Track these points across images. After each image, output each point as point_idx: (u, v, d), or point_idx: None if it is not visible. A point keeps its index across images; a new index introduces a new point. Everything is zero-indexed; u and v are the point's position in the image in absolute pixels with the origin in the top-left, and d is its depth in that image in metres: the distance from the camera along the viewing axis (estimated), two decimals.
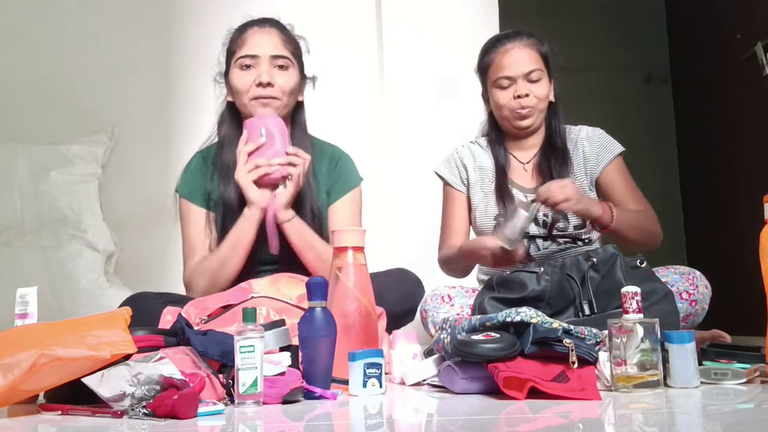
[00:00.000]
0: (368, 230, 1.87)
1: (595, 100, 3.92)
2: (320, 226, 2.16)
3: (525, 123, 2.19)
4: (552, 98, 2.22)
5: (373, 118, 3.17)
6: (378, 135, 3.14)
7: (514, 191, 2.21)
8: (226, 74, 2.18)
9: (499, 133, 2.28)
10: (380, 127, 3.15)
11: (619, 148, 2.24)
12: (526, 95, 2.15)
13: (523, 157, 2.26)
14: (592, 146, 2.23)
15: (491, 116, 2.28)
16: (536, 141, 2.26)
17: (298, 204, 2.12)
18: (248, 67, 2.11)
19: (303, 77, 2.22)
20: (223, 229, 2.13)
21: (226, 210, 2.14)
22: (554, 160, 2.21)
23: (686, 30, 3.98)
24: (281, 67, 2.12)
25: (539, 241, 2.16)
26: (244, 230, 2.07)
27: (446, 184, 2.31)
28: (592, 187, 2.23)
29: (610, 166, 2.21)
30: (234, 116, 2.20)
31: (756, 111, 3.14)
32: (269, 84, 2.10)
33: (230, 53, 2.17)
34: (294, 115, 2.22)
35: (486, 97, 2.26)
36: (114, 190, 3.06)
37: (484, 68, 2.23)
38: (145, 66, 3.13)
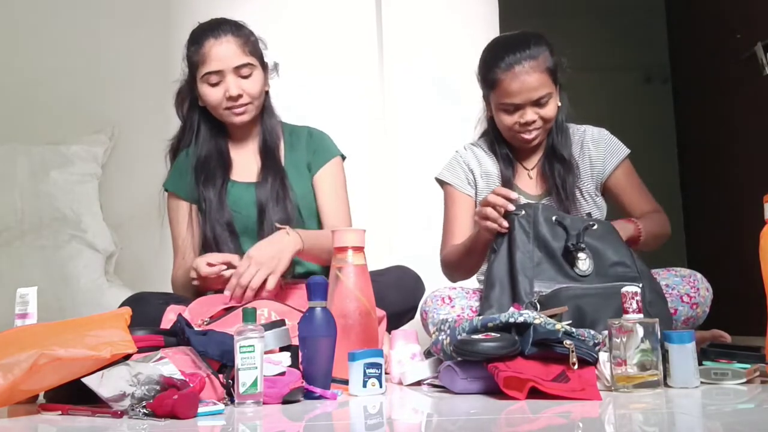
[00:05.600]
0: (368, 229, 1.87)
1: (595, 100, 3.92)
2: (299, 209, 2.19)
3: (531, 144, 2.16)
4: (558, 102, 2.14)
5: (373, 118, 3.16)
6: (378, 135, 3.14)
7: (521, 199, 2.14)
8: (192, 81, 2.19)
9: (501, 138, 2.21)
10: (380, 127, 3.15)
11: (625, 151, 2.21)
12: (533, 121, 2.09)
13: (528, 164, 2.23)
14: (599, 151, 2.20)
15: (492, 120, 2.21)
16: (540, 146, 2.21)
17: (278, 194, 2.16)
18: (215, 84, 2.15)
19: (266, 71, 2.24)
20: (207, 222, 2.16)
21: (208, 208, 2.17)
22: (558, 165, 2.16)
23: (686, 30, 3.98)
24: (246, 75, 2.15)
25: None
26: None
27: (450, 188, 2.24)
28: (598, 192, 2.20)
29: (617, 170, 2.19)
30: (206, 116, 2.23)
31: (756, 111, 3.14)
32: (239, 96, 2.14)
33: (193, 64, 2.18)
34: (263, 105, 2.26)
35: (487, 100, 2.19)
36: (114, 190, 3.07)
37: (487, 84, 2.13)
38: (145, 66, 3.13)
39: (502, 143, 2.22)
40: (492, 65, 2.10)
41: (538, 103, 2.08)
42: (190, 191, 2.21)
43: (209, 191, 2.17)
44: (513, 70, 2.05)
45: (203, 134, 2.23)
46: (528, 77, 2.05)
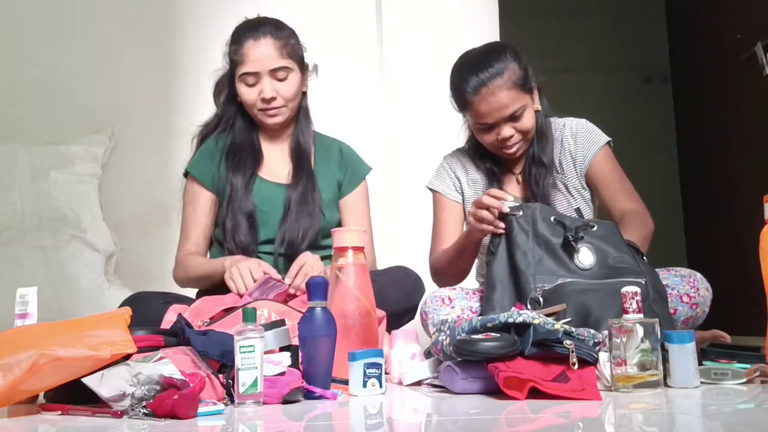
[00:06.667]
0: (372, 229, 1.87)
1: (595, 100, 3.92)
2: (323, 213, 2.22)
3: (512, 157, 2.15)
4: (538, 107, 2.11)
5: (374, 117, 3.16)
6: (380, 134, 3.14)
7: (518, 200, 2.12)
8: (232, 77, 2.22)
9: (485, 150, 2.18)
10: (382, 126, 3.15)
11: (604, 138, 2.17)
12: (511, 136, 2.07)
13: (516, 168, 2.21)
14: (577, 142, 2.17)
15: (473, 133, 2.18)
16: (526, 152, 2.17)
17: (307, 198, 2.19)
18: (252, 84, 2.17)
19: (304, 72, 2.26)
20: (229, 208, 2.17)
21: (233, 194, 2.18)
22: (536, 170, 2.14)
23: (686, 30, 3.98)
24: (282, 78, 2.17)
25: None
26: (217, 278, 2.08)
27: (439, 195, 2.24)
28: (585, 187, 2.19)
29: (596, 158, 2.15)
30: (242, 110, 2.25)
31: (756, 111, 3.14)
32: (273, 98, 2.17)
33: (232, 62, 2.21)
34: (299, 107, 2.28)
35: (465, 117, 2.17)
36: (114, 190, 3.06)
37: (458, 106, 2.12)
38: (145, 66, 3.13)
39: (485, 155, 2.19)
40: (460, 88, 2.08)
41: (512, 118, 2.05)
42: (216, 178, 2.23)
43: (237, 178, 2.19)
44: (480, 93, 2.02)
45: (238, 126, 2.26)
46: (495, 98, 2.02)
